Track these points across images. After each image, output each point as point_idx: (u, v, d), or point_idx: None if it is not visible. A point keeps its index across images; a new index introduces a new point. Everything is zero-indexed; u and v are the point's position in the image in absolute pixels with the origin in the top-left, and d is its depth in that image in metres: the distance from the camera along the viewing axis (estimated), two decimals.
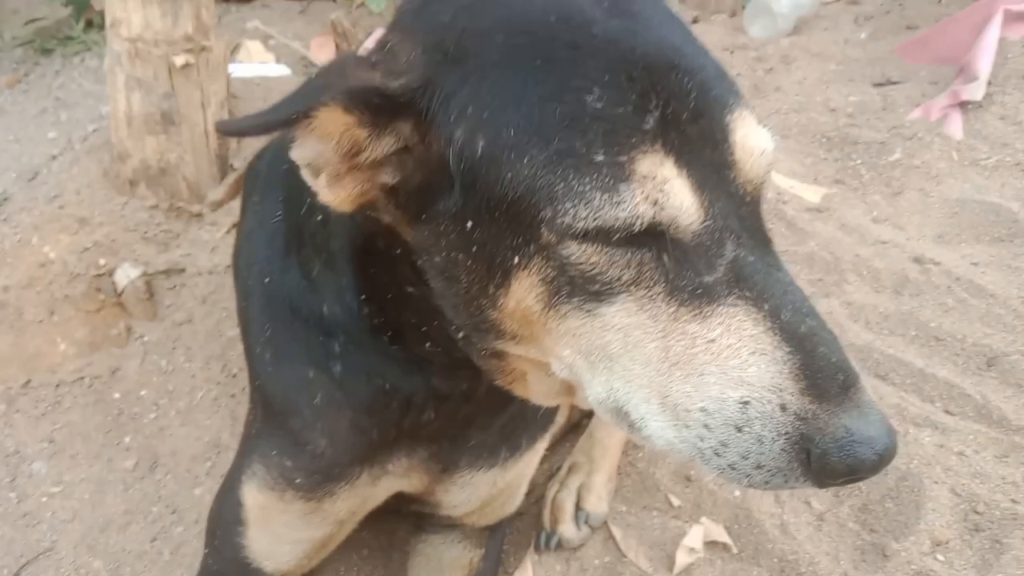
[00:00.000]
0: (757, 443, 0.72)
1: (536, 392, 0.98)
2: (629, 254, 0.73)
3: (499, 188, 0.74)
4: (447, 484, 1.26)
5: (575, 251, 0.73)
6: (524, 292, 0.78)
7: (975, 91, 2.75)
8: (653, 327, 0.75)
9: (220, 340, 2.08)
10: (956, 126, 2.73)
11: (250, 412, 1.31)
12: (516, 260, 0.76)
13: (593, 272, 0.74)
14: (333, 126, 0.76)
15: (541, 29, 0.76)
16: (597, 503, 1.55)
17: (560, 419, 1.74)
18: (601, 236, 0.72)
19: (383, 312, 0.99)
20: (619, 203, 0.70)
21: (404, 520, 1.57)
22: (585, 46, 0.75)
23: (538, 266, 0.76)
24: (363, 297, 0.99)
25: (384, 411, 1.09)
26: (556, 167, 0.72)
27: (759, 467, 0.73)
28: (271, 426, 1.19)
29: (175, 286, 2.18)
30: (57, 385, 1.98)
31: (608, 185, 0.70)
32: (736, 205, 0.75)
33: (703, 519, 1.53)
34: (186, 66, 2.33)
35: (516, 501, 1.43)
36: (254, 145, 2.88)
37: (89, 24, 3.64)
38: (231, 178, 2.45)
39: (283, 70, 3.05)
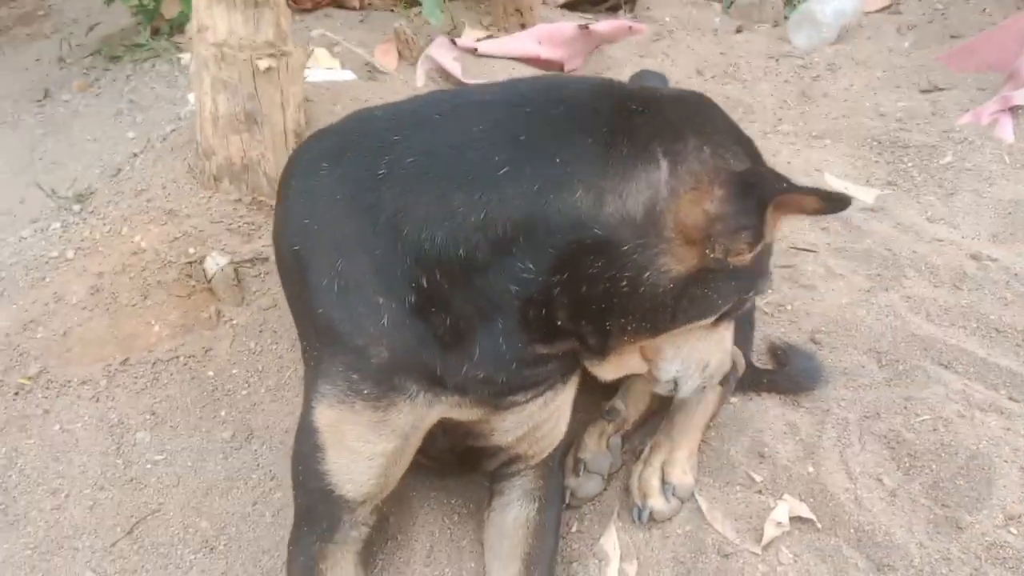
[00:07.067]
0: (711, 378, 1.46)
1: (614, 369, 1.36)
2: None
3: (758, 267, 1.27)
4: (503, 414, 1.38)
5: (750, 301, 1.34)
6: (715, 316, 1.27)
7: None
8: (724, 334, 1.42)
9: None
10: (1007, 130, 2.79)
11: (307, 354, 1.43)
12: (730, 302, 1.26)
13: (737, 310, 1.32)
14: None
15: None
16: (682, 476, 1.62)
17: (641, 407, 1.83)
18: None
19: (549, 276, 1.17)
20: (772, 280, 1.38)
21: (485, 492, 1.67)
22: None
23: (731, 305, 1.27)
24: (546, 262, 1.16)
25: (440, 345, 1.24)
26: (768, 264, 1.31)
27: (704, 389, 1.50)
28: (335, 349, 1.30)
29: (260, 274, 2.30)
30: (154, 363, 2.09)
31: (772, 274, 1.36)
32: None
33: (785, 496, 1.60)
34: (268, 70, 2.46)
35: (563, 426, 1.55)
36: None
37: (156, 32, 3.81)
38: None
39: (349, 75, 3.18)
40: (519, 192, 1.14)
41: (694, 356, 1.37)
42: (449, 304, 1.21)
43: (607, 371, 1.34)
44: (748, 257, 1.18)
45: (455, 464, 1.60)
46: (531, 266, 1.15)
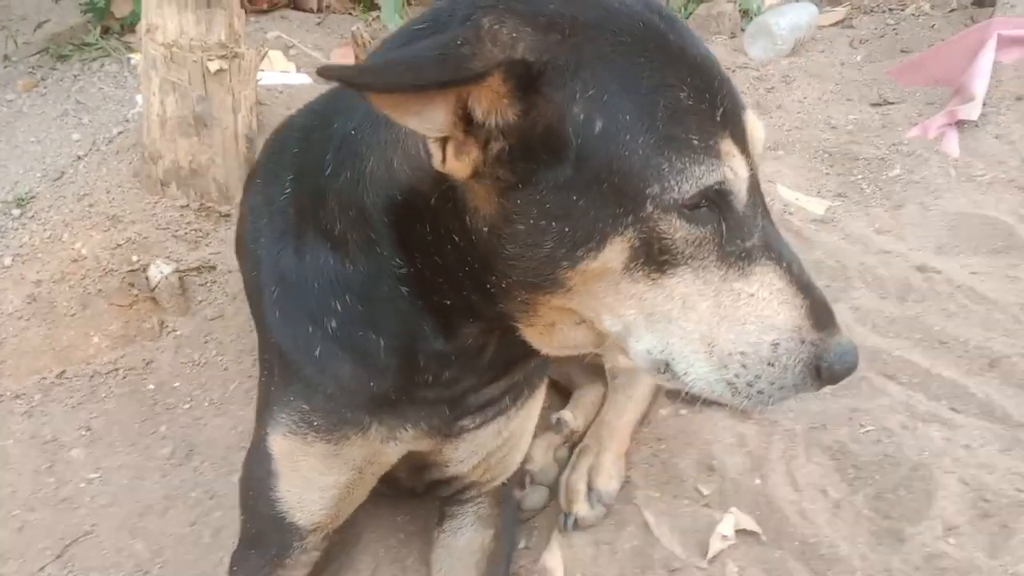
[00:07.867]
0: (783, 372, 0.93)
1: (554, 341, 1.08)
2: (700, 228, 0.89)
3: (613, 164, 0.85)
4: (455, 442, 1.34)
5: (668, 222, 0.87)
6: (612, 255, 0.89)
7: (971, 111, 2.88)
8: (706, 289, 0.92)
9: (251, 335, 2.12)
10: (953, 144, 2.86)
11: (263, 375, 1.39)
12: (614, 228, 0.87)
13: (671, 242, 0.88)
14: (488, 95, 0.81)
15: (637, 32, 0.89)
16: (607, 481, 1.62)
17: (590, 417, 1.82)
18: (692, 207, 0.88)
19: (414, 263, 1.04)
20: (712, 172, 0.87)
21: (434, 509, 1.64)
22: (669, 53, 0.90)
23: (631, 234, 0.88)
24: (396, 248, 1.04)
25: (381, 365, 1.17)
26: (664, 150, 0.85)
27: (781, 388, 0.94)
28: (286, 377, 1.27)
29: (206, 283, 2.24)
30: (91, 376, 2.03)
31: (703, 161, 0.87)
32: (756, 181, 0.94)
33: (732, 509, 1.60)
34: (219, 71, 2.40)
35: (519, 455, 1.51)
36: None
37: (106, 31, 3.71)
38: None
39: (304, 79, 3.13)
40: (343, 185, 1.04)
41: (668, 327, 0.94)
42: (373, 323, 1.15)
43: (544, 343, 1.09)
44: (443, 159, 0.87)
45: (412, 495, 1.56)
46: (399, 260, 1.03)
